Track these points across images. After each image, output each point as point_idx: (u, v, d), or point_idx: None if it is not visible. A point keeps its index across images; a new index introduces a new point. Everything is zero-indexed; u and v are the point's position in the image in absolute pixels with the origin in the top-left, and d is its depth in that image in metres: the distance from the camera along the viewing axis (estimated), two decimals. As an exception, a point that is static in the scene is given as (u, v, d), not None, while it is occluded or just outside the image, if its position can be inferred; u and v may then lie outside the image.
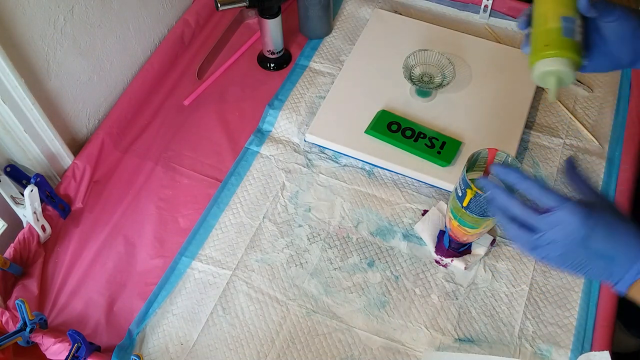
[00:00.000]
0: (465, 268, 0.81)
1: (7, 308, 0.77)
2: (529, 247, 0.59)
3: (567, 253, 0.57)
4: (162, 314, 0.79)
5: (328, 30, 1.10)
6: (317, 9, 1.04)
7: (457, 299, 0.80)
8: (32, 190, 0.80)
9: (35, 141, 0.85)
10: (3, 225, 0.86)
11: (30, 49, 0.80)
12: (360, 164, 0.93)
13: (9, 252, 0.81)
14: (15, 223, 0.85)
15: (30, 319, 0.73)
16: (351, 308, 0.79)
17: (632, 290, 0.57)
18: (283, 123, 0.98)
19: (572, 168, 0.60)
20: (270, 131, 0.98)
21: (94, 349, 0.74)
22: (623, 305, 0.77)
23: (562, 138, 0.95)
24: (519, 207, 0.58)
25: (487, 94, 0.98)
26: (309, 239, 0.85)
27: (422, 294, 0.80)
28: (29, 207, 0.80)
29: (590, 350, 0.74)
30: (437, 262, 0.83)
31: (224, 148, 0.96)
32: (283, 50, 1.06)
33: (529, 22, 0.64)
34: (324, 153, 0.95)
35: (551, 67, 0.60)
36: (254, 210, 0.89)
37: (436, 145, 0.90)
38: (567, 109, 0.98)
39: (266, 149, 0.95)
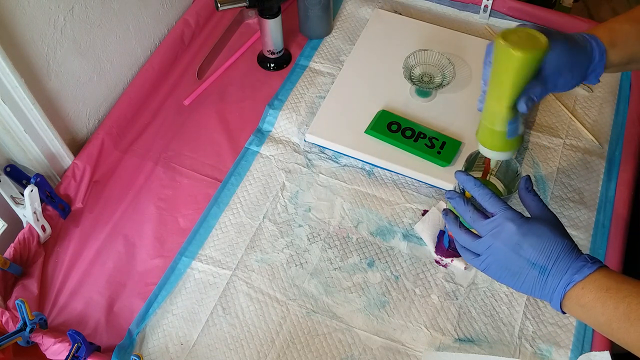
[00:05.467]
0: (465, 268, 0.81)
1: (7, 308, 0.77)
2: (472, 255, 0.63)
3: (503, 261, 0.60)
4: (162, 314, 0.79)
5: (328, 30, 1.10)
6: (317, 9, 1.04)
7: (457, 299, 0.80)
8: (32, 190, 0.81)
9: (35, 141, 0.85)
10: (3, 225, 0.86)
11: (30, 49, 0.80)
12: (360, 164, 0.93)
13: (9, 252, 0.81)
14: (15, 223, 0.85)
15: (30, 319, 0.73)
16: (351, 308, 0.79)
17: (568, 305, 0.58)
18: (283, 123, 0.98)
19: (525, 188, 0.64)
20: (270, 131, 0.98)
21: (94, 349, 0.74)
22: None
23: (562, 138, 0.95)
24: (471, 212, 0.62)
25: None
26: (309, 239, 0.85)
27: (422, 294, 0.80)
28: (29, 207, 0.80)
29: (590, 350, 0.74)
30: (437, 262, 0.83)
31: (224, 148, 0.96)
32: (283, 50, 1.06)
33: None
34: (324, 153, 0.95)
35: (495, 157, 0.67)
36: (254, 210, 0.89)
37: (436, 145, 0.90)
38: (567, 109, 0.98)
39: (266, 149, 0.95)
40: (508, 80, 0.59)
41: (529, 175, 0.65)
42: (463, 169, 0.69)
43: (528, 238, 0.58)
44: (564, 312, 0.59)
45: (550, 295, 0.58)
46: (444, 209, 0.68)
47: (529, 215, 0.62)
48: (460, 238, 0.64)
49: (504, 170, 0.72)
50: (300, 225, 0.87)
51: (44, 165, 0.89)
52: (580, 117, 0.97)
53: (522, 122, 0.65)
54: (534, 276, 0.59)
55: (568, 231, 0.84)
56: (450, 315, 0.78)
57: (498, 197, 0.61)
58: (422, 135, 0.92)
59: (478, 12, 1.11)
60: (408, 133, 0.92)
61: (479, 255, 0.62)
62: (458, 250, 0.65)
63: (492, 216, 0.61)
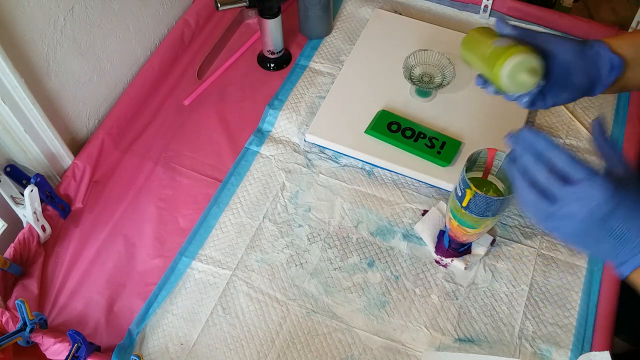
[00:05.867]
0: (465, 268, 0.81)
1: (7, 308, 0.77)
2: (543, 217, 0.56)
3: (581, 230, 0.54)
4: (162, 314, 0.79)
5: (328, 30, 1.10)
6: (317, 9, 1.04)
7: (457, 299, 0.80)
8: (32, 190, 0.81)
9: (35, 141, 0.85)
10: (3, 225, 0.86)
11: (30, 49, 0.80)
12: (360, 164, 0.93)
13: (9, 252, 0.81)
14: (15, 223, 0.85)
15: (30, 319, 0.73)
16: (351, 308, 0.79)
17: (634, 275, 0.54)
18: (283, 123, 0.98)
19: (600, 134, 0.57)
20: (270, 131, 0.98)
21: (94, 349, 0.74)
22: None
23: (562, 138, 0.95)
24: (545, 173, 0.55)
25: (487, 94, 0.98)
26: (309, 239, 0.85)
27: (422, 294, 0.80)
28: (29, 207, 0.80)
29: (590, 350, 0.74)
30: (437, 262, 0.83)
31: (224, 148, 0.96)
32: (283, 50, 1.06)
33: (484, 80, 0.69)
34: (324, 153, 0.95)
35: (509, 66, 0.63)
36: (254, 210, 0.89)
37: (436, 145, 0.90)
38: (567, 109, 0.98)
39: (266, 149, 0.95)
40: (482, 41, 0.68)
41: (602, 117, 0.58)
42: (464, 169, 0.69)
43: (618, 210, 0.52)
44: (623, 279, 0.55)
45: (621, 263, 0.54)
46: (508, 156, 0.59)
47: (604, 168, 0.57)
48: (530, 198, 0.56)
49: (505, 170, 0.72)
50: (300, 225, 0.87)
51: (44, 165, 0.89)
52: (580, 117, 0.97)
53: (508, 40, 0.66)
54: (611, 245, 0.54)
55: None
56: (450, 315, 0.78)
57: (579, 159, 0.54)
58: (422, 135, 0.92)
59: (478, 12, 1.11)
60: (408, 133, 0.92)
61: (549, 217, 0.56)
62: (522, 208, 0.57)
63: (573, 180, 0.54)
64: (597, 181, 0.52)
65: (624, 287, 0.80)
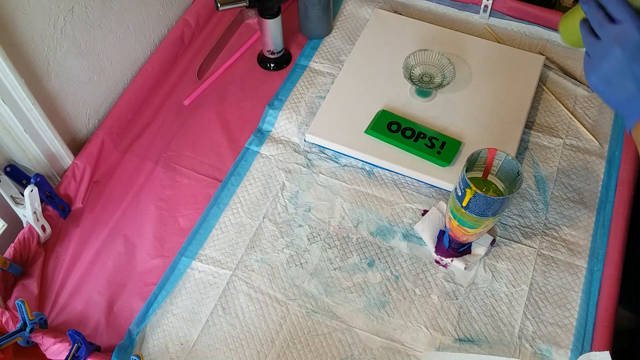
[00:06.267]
0: (465, 268, 0.81)
1: (7, 308, 0.77)
2: (585, 56, 0.62)
3: (610, 70, 0.59)
4: (162, 314, 0.79)
5: (328, 30, 1.10)
6: (317, 9, 1.04)
7: (457, 299, 0.80)
8: (32, 190, 0.81)
9: (35, 141, 0.85)
10: (3, 225, 0.86)
11: (30, 49, 0.80)
12: (360, 164, 0.93)
13: (9, 252, 0.81)
14: (15, 223, 0.85)
15: (30, 319, 0.73)
16: (351, 308, 0.79)
17: (636, 131, 0.58)
18: (283, 123, 0.98)
19: None
20: (270, 131, 0.98)
21: (94, 349, 0.74)
22: None
23: (562, 138, 0.95)
24: (600, 16, 0.60)
25: (487, 94, 0.98)
26: (309, 239, 0.85)
27: (422, 294, 0.80)
28: (29, 207, 0.80)
29: (590, 350, 0.74)
30: (437, 262, 0.83)
31: (224, 148, 0.96)
32: (283, 50, 1.06)
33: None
34: (324, 153, 0.95)
35: None
36: (254, 210, 0.89)
37: (436, 145, 0.90)
38: (567, 109, 0.98)
39: (266, 149, 0.95)
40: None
41: None
42: (464, 169, 0.69)
43: None
44: (629, 133, 0.59)
45: (631, 114, 0.58)
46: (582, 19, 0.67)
47: None
48: (586, 39, 0.62)
49: (505, 170, 0.73)
50: (300, 225, 0.87)
51: (44, 165, 0.89)
52: (580, 117, 0.97)
53: None
54: (631, 92, 0.58)
55: (568, 231, 0.85)
56: (450, 315, 0.78)
57: (629, 5, 0.59)
58: (422, 135, 0.92)
59: (478, 12, 1.11)
60: (408, 133, 0.92)
61: (588, 54, 0.61)
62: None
63: (618, 20, 0.59)
64: (637, 23, 0.57)
65: (627, 256, 0.80)
